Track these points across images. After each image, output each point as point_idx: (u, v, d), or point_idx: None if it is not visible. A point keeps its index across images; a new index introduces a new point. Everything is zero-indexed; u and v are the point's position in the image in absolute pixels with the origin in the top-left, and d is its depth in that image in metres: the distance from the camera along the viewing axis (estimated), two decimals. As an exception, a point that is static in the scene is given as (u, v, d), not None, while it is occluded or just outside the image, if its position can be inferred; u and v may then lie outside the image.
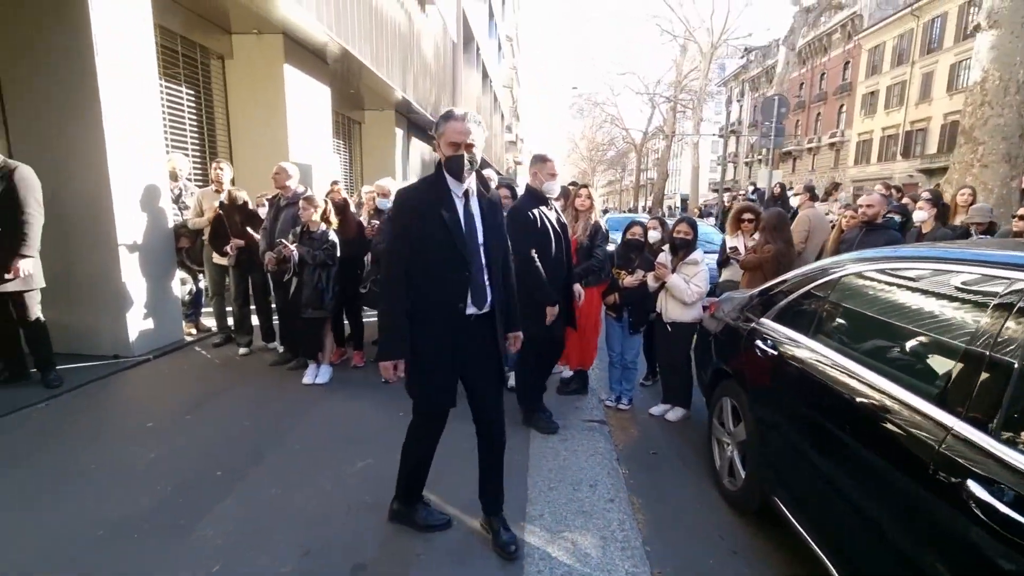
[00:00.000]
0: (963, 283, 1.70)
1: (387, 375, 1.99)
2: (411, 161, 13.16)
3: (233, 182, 4.93)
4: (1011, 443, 1.29)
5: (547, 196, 3.17)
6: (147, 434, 3.12)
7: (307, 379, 3.96)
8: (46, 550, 2.08)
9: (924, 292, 1.89)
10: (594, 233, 3.58)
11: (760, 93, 39.62)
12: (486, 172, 3.80)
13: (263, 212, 4.46)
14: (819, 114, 36.97)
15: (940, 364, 1.62)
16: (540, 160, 3.28)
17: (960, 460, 1.36)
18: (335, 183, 5.82)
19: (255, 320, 4.79)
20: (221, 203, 4.48)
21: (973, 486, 1.28)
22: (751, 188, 12.40)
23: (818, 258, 4.54)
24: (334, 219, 4.03)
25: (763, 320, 2.66)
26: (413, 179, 12.27)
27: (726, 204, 13.83)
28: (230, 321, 4.85)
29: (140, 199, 4.36)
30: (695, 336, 3.58)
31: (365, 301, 4.40)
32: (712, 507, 2.71)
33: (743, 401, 2.61)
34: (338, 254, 3.92)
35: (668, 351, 3.76)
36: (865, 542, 1.67)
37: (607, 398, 3.98)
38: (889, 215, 4.84)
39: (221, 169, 4.78)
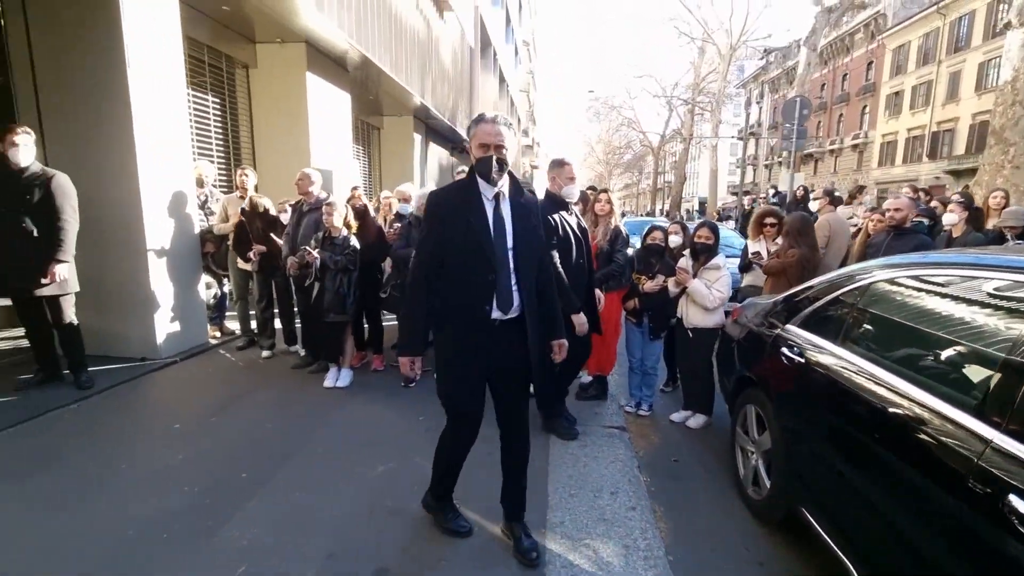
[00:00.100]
0: (999, 290, 1.66)
1: (404, 370, 2.08)
2: (429, 166, 13.27)
3: (257, 188, 5.02)
4: (1055, 457, 1.25)
5: (566, 201, 3.16)
6: (174, 436, 3.18)
7: (328, 382, 4.00)
8: (78, 549, 2.14)
9: (958, 299, 1.84)
10: (614, 238, 3.56)
11: (780, 95, 39.06)
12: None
13: (285, 218, 4.54)
14: (841, 115, 36.29)
15: (977, 374, 1.58)
16: (558, 164, 3.28)
17: (1000, 474, 1.32)
18: (355, 188, 5.89)
19: (278, 324, 4.86)
20: (243, 210, 4.57)
21: (1015, 501, 1.24)
22: (772, 191, 12.20)
23: (844, 264, 4.46)
24: (353, 223, 4.09)
25: (788, 327, 2.62)
26: (431, 184, 12.41)
27: (746, 207, 13.65)
28: (253, 324, 4.94)
29: (168, 205, 4.48)
30: (717, 342, 3.53)
31: (385, 305, 4.45)
32: (736, 516, 2.67)
33: (768, 409, 2.56)
34: (359, 259, 3.97)
35: (689, 357, 3.72)
36: (898, 556, 1.63)
37: (626, 404, 3.95)
38: (917, 219, 4.72)
39: (246, 176, 4.87)
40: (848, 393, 1.99)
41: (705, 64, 28.74)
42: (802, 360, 2.36)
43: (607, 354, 3.87)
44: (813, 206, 6.00)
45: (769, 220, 4.23)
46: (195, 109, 5.90)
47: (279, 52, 6.76)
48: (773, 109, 42.28)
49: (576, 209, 3.26)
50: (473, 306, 1.97)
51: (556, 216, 3.06)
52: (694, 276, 3.56)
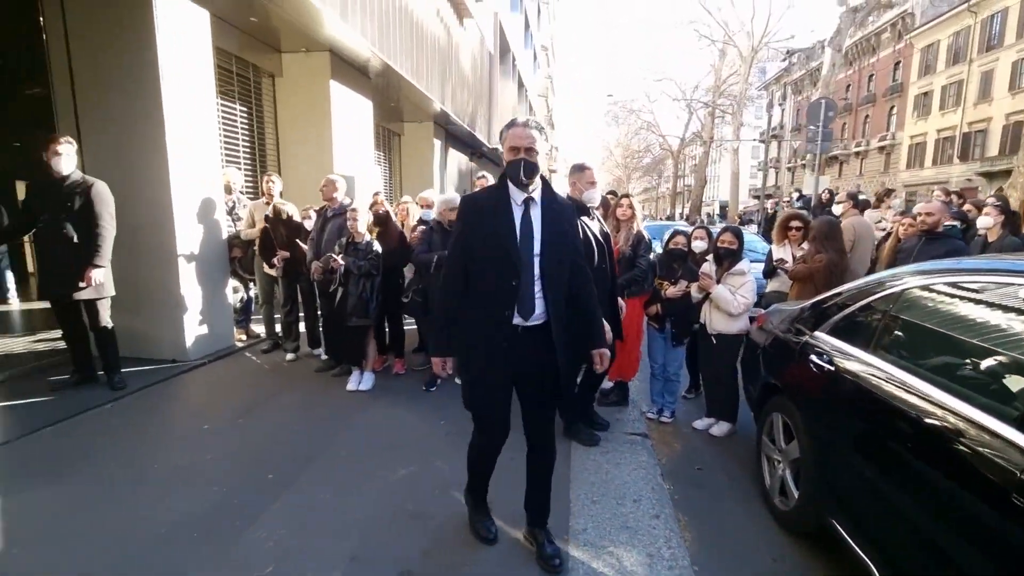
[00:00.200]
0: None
1: (436, 370, 2.13)
2: (448, 171, 13.38)
3: (282, 194, 5.13)
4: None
5: (587, 205, 3.16)
6: (203, 436, 3.26)
7: (351, 385, 4.05)
8: (113, 544, 2.20)
9: (996, 307, 1.79)
10: (637, 243, 3.54)
11: (804, 96, 38.38)
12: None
13: (309, 224, 4.63)
14: (867, 116, 35.47)
15: (1018, 384, 1.53)
16: (578, 169, 3.28)
17: (1046, 489, 1.27)
18: (376, 194, 5.98)
19: (302, 327, 4.95)
20: (267, 216, 4.67)
21: (1063, 517, 1.20)
22: (796, 194, 11.97)
23: (872, 270, 4.35)
24: (373, 228, 4.14)
25: (817, 333, 2.56)
26: (450, 189, 12.50)
27: (768, 211, 13.42)
28: (278, 328, 5.03)
29: (197, 212, 4.60)
30: (742, 348, 3.48)
31: (406, 310, 4.49)
32: (762, 527, 2.62)
33: (796, 417, 2.51)
34: (381, 264, 4.02)
35: (713, 363, 3.67)
36: (936, 572, 1.57)
37: (648, 410, 3.91)
38: (949, 223, 4.58)
39: (272, 182, 4.98)
40: (882, 403, 1.93)
41: (726, 66, 28.43)
42: (832, 368, 2.31)
43: (629, 360, 3.84)
44: (836, 210, 5.87)
45: (795, 224, 4.15)
46: (223, 117, 6.05)
47: (304, 61, 6.90)
48: (796, 111, 41.56)
49: (598, 214, 3.25)
50: (495, 311, 1.95)
51: (578, 221, 3.05)
52: (718, 281, 3.52)
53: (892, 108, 33.07)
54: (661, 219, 33.58)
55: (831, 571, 2.27)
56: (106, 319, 3.78)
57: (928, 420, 1.70)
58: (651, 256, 3.75)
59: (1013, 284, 1.72)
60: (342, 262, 3.90)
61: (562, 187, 3.39)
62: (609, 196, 4.75)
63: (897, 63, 32.34)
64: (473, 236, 2.00)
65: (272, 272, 4.77)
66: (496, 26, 15.35)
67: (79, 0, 4.16)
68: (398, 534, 2.32)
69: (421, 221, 4.58)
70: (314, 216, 4.60)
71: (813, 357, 2.45)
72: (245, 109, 6.58)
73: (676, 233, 3.84)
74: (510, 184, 1.97)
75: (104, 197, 3.63)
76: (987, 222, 4.36)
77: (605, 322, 2.91)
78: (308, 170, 6.67)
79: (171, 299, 4.44)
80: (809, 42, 35.03)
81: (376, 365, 4.36)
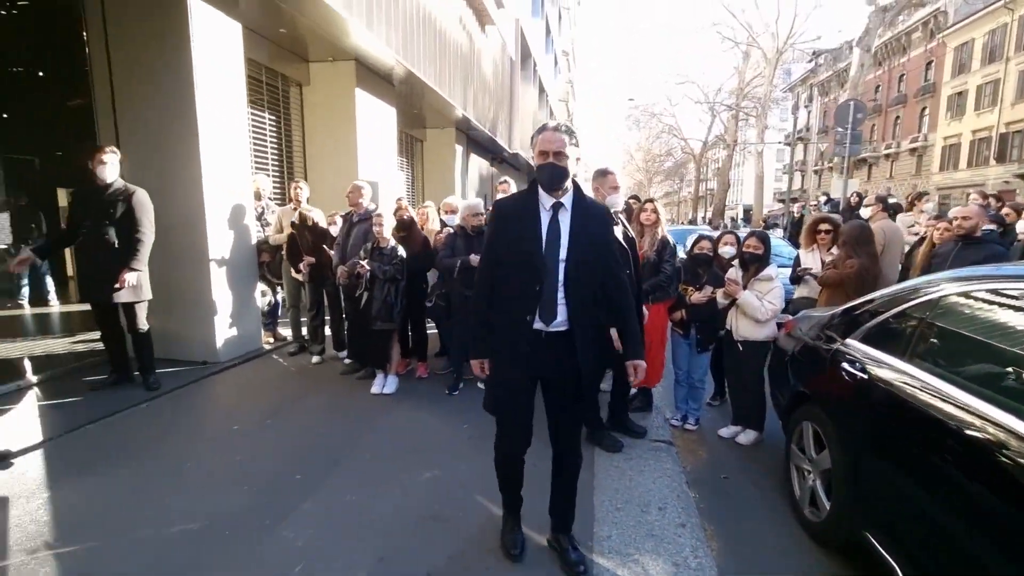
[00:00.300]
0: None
1: (476, 372, 2.16)
2: (470, 176, 13.48)
3: (308, 200, 5.24)
4: None
5: (611, 210, 3.15)
6: (233, 436, 3.34)
7: (375, 388, 4.11)
8: (151, 540, 2.27)
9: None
10: (662, 248, 3.51)
11: (831, 98, 37.58)
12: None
13: (335, 230, 4.72)
14: (898, 117, 34.51)
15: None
16: (601, 174, 3.27)
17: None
18: (400, 199, 6.07)
19: (327, 331, 5.03)
20: (293, 222, 4.78)
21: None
22: (823, 198, 11.72)
23: (903, 276, 4.23)
24: (398, 233, 4.20)
25: (849, 341, 2.51)
26: (471, 194, 12.59)
27: (795, 215, 13.15)
28: (304, 331, 5.14)
29: (228, 217, 4.74)
30: (769, 355, 3.41)
31: (430, 314, 4.53)
32: (792, 538, 2.56)
33: (827, 427, 2.46)
34: (406, 269, 4.07)
35: (739, 370, 3.61)
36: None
37: (672, 417, 3.87)
38: (987, 227, 4.42)
39: (300, 188, 5.09)
40: (920, 412, 1.88)
41: (750, 68, 28.06)
42: (865, 376, 2.25)
43: (653, 366, 3.79)
44: (864, 213, 5.72)
45: (824, 227, 4.06)
46: (253, 126, 6.22)
47: (330, 70, 7.06)
48: (823, 113, 40.68)
49: (623, 218, 3.24)
50: (517, 315, 1.96)
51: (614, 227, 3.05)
52: (744, 287, 3.47)
53: (924, 109, 32.12)
54: (683, 223, 33.19)
55: (865, 585, 2.21)
56: (143, 322, 3.92)
57: (969, 431, 1.65)
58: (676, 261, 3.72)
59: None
60: (368, 267, 3.96)
61: (584, 192, 3.39)
62: (631, 201, 4.73)
63: (929, 63, 31.42)
64: (500, 240, 2.02)
65: (299, 277, 4.88)
66: (517, 32, 15.44)
67: (120, 15, 4.34)
68: (423, 537, 2.34)
69: (442, 225, 4.63)
70: (339, 222, 4.69)
71: (845, 365, 2.40)
72: (274, 117, 6.76)
73: (701, 238, 3.79)
74: (540, 189, 1.97)
75: (145, 204, 3.78)
76: (1028, 226, 4.21)
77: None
78: (334, 176, 6.80)
79: (203, 302, 4.57)
80: (836, 43, 34.29)
81: (399, 369, 4.41)
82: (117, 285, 3.67)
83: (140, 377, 4.04)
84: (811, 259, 4.17)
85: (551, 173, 1.92)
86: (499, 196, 5.21)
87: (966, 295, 2.04)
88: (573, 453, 2.14)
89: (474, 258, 3.88)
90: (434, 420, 3.64)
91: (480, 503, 2.56)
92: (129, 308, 3.84)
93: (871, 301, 2.61)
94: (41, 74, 7.74)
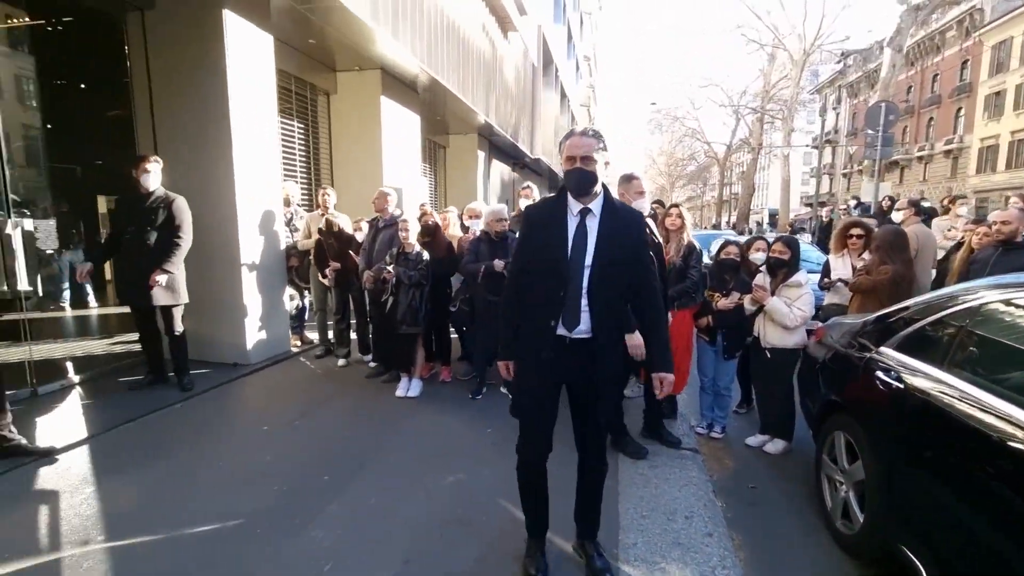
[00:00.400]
0: None
1: (502, 374, 2.20)
2: (492, 182, 13.56)
3: (335, 207, 5.35)
4: None
5: (641, 216, 3.14)
6: (263, 437, 3.43)
7: (400, 392, 4.16)
8: (187, 537, 2.34)
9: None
10: (688, 253, 3.48)
11: (861, 99, 36.68)
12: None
13: (360, 236, 4.81)
14: (931, 119, 33.48)
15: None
16: (626, 179, 3.26)
17: None
18: (423, 205, 6.16)
19: (353, 334, 5.12)
20: (320, 229, 4.89)
21: None
22: (853, 202, 11.42)
23: (939, 283, 4.10)
24: (422, 238, 4.26)
25: (883, 349, 2.45)
26: (493, 200, 12.66)
27: (824, 219, 12.86)
28: (330, 335, 5.23)
29: (259, 224, 4.87)
30: (798, 363, 3.35)
31: (454, 319, 4.57)
32: (823, 550, 2.50)
33: (860, 437, 2.40)
34: (430, 273, 4.12)
35: (767, 378, 3.54)
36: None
37: (697, 425, 3.82)
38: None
39: (327, 195, 5.21)
40: (961, 423, 1.82)
41: (776, 70, 27.59)
42: (900, 385, 2.19)
43: (678, 373, 3.74)
44: (896, 217, 5.56)
45: (856, 232, 3.97)
46: (283, 134, 6.39)
47: (357, 79, 7.21)
48: (852, 114, 39.75)
49: (651, 224, 3.22)
50: (541, 321, 1.96)
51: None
52: (772, 293, 3.41)
53: (959, 109, 31.11)
54: (706, 228, 32.74)
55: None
56: (179, 324, 4.05)
57: (1013, 443, 1.60)
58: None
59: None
60: (393, 273, 4.02)
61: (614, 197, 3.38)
62: (655, 205, 4.70)
63: (965, 62, 30.44)
64: (527, 247, 2.04)
65: (325, 282, 4.98)
66: (539, 38, 15.51)
67: (160, 29, 4.52)
68: (449, 540, 2.35)
69: (464, 229, 4.67)
70: (365, 228, 4.77)
71: (879, 373, 2.34)
72: (302, 126, 6.93)
73: (728, 243, 3.75)
74: (569, 195, 1.96)
75: (185, 211, 3.94)
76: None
77: (639, 336, 2.87)
78: (360, 183, 6.93)
79: (234, 306, 4.70)
80: (866, 43, 33.46)
81: (423, 372, 4.45)
82: (149, 283, 3.79)
83: (175, 378, 4.17)
84: (841, 264, 4.08)
85: (579, 178, 1.90)
86: (522, 201, 5.26)
87: (1007, 303, 1.98)
88: (598, 459, 2.13)
89: (498, 263, 3.91)
90: (458, 424, 3.67)
91: (504, 507, 2.57)
92: (167, 311, 3.98)
93: (906, 308, 2.54)
94: (83, 86, 8.09)
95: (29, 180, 6.53)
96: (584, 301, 1.93)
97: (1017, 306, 1.95)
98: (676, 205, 3.78)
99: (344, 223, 4.90)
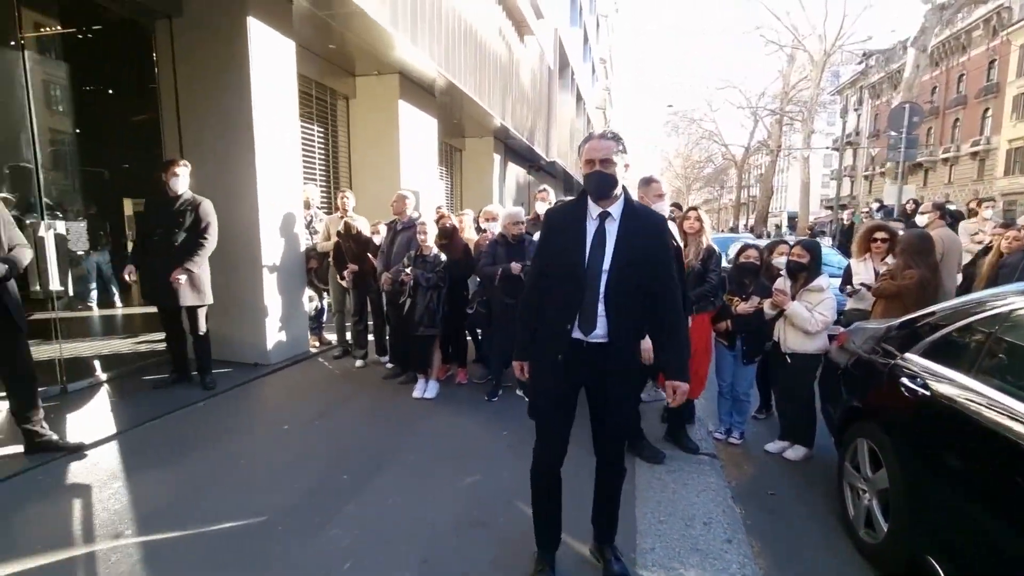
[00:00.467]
0: None
1: (517, 374, 2.22)
2: (507, 185, 13.60)
3: (354, 209, 5.42)
4: None
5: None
6: (284, 436, 3.49)
7: (416, 393, 4.19)
8: (211, 535, 2.39)
9: None
10: (707, 257, 3.45)
11: (883, 100, 35.98)
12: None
13: (378, 239, 4.87)
14: (957, 120, 32.68)
15: None
16: (646, 182, 3.25)
17: None
18: (439, 208, 6.21)
19: (370, 336, 5.18)
20: (338, 231, 4.95)
21: None
22: (875, 204, 11.20)
23: (966, 288, 4.01)
24: (439, 241, 4.30)
25: (908, 355, 2.40)
26: (509, 202, 12.68)
27: (845, 222, 12.64)
28: (348, 336, 5.30)
29: (280, 226, 4.96)
30: (820, 369, 3.30)
31: (470, 321, 4.59)
32: (843, 557, 2.46)
33: (885, 445, 2.35)
34: (447, 276, 4.15)
35: (787, 384, 3.50)
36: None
37: (715, 430, 3.78)
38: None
39: (346, 198, 5.27)
40: (990, 431, 1.78)
41: (795, 72, 27.19)
42: (927, 392, 2.15)
43: (696, 377, 3.73)
44: (921, 220, 5.43)
45: (880, 236, 3.89)
46: (303, 138, 6.49)
47: (376, 83, 7.30)
48: (874, 116, 39.01)
49: (672, 227, 3.20)
50: (557, 325, 1.96)
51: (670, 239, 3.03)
52: (792, 297, 3.36)
53: (986, 110, 30.33)
54: (723, 231, 32.38)
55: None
56: (204, 324, 4.15)
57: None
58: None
59: None
60: (411, 275, 4.06)
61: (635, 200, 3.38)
62: (672, 208, 4.68)
63: (992, 61, 29.68)
64: (546, 251, 2.05)
65: (344, 283, 5.04)
66: (556, 42, 15.53)
67: (187, 35, 4.64)
68: (466, 541, 2.37)
69: (479, 231, 4.70)
70: (383, 230, 4.82)
71: (905, 380, 2.30)
72: (322, 130, 7.04)
73: (747, 247, 3.71)
74: (589, 198, 1.96)
75: (211, 214, 4.04)
76: (1108, 235, 3.91)
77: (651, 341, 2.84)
78: (377, 186, 7.01)
79: (255, 307, 4.79)
80: (889, 43, 32.80)
81: (440, 374, 4.48)
82: (171, 281, 3.87)
83: (198, 377, 4.26)
84: (863, 268, 4.01)
85: (598, 181, 1.90)
86: (538, 204, 5.27)
87: (1041, 309, 1.93)
88: (616, 463, 2.12)
89: (515, 266, 3.93)
90: (474, 426, 3.69)
91: (520, 509, 2.57)
92: (192, 311, 4.07)
93: (932, 314, 2.50)
94: (111, 92, 8.32)
95: (60, 184, 6.72)
96: (601, 307, 1.92)
97: (1049, 312, 1.90)
98: (694, 208, 3.76)
99: (362, 226, 4.95)
